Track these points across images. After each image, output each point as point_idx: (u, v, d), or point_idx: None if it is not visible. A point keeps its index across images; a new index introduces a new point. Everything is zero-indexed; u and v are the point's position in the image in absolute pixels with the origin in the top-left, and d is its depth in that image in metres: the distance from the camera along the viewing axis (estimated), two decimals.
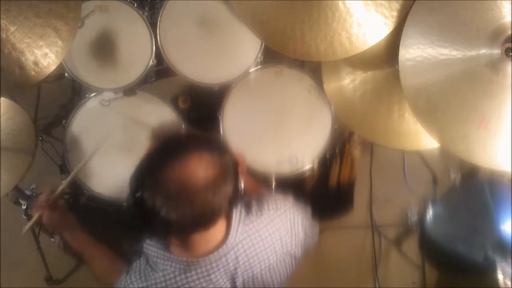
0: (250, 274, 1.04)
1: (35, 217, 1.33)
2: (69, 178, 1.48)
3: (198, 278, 1.00)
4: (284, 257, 1.09)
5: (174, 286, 1.00)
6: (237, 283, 1.03)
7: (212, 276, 1.00)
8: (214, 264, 1.00)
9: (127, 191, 0.92)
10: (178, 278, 1.00)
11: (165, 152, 0.92)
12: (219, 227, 1.00)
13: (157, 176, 0.89)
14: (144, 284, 1.02)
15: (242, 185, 0.99)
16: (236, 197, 0.96)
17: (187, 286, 1.00)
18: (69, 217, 1.35)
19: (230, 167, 0.95)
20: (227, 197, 0.93)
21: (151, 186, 0.89)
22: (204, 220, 0.94)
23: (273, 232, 1.06)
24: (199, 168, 0.89)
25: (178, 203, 0.88)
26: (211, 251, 1.00)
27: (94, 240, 1.33)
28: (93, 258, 1.31)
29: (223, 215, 0.99)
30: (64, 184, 1.43)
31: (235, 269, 1.02)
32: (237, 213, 1.03)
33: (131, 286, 1.03)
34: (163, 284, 1.00)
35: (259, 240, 1.04)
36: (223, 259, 1.01)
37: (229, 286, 1.03)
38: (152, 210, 0.88)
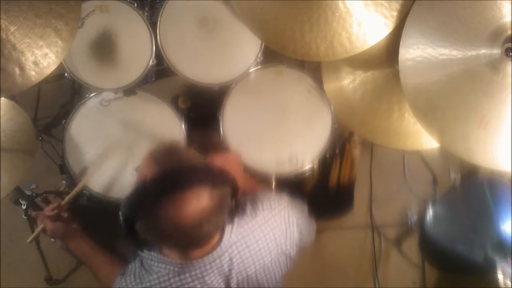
0: (245, 275, 1.04)
1: (39, 227, 1.34)
2: (76, 189, 1.47)
3: (193, 280, 1.00)
4: (278, 257, 1.09)
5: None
6: (232, 284, 1.03)
7: (207, 278, 1.01)
8: (208, 266, 1.00)
9: (121, 211, 0.91)
10: (172, 281, 1.00)
11: (163, 184, 0.88)
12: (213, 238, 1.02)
13: (153, 210, 0.87)
14: (139, 286, 1.02)
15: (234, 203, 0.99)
16: (232, 216, 0.98)
17: None
18: (74, 227, 1.34)
19: (229, 196, 0.95)
20: (222, 224, 0.96)
21: (145, 220, 0.88)
22: (199, 243, 0.97)
23: (268, 232, 1.06)
24: (196, 204, 0.88)
25: (172, 238, 0.90)
26: (205, 254, 1.00)
27: (99, 249, 1.33)
28: (99, 267, 1.30)
29: (218, 234, 1.01)
30: (69, 195, 1.43)
31: (229, 270, 1.02)
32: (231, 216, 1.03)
33: None
34: (158, 287, 1.00)
35: (253, 242, 1.04)
36: (217, 261, 1.01)
37: (223, 287, 1.03)
38: (145, 240, 0.91)
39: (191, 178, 0.90)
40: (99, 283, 1.30)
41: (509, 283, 1.44)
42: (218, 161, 1.11)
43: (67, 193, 1.81)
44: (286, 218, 1.10)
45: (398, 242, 2.15)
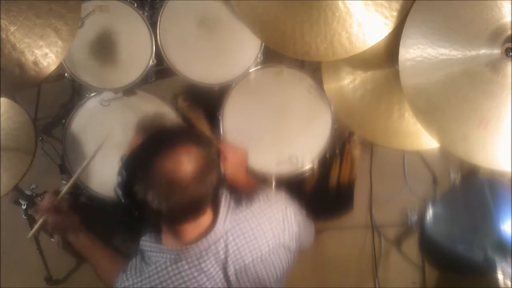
0: (242, 264, 1.04)
1: (40, 221, 1.33)
2: (72, 180, 1.47)
3: (189, 268, 1.01)
4: (277, 249, 1.08)
5: (166, 277, 1.01)
6: (229, 273, 1.03)
7: (203, 265, 1.01)
8: (203, 253, 1.01)
9: (117, 183, 0.96)
10: (169, 269, 1.01)
11: (154, 145, 0.94)
12: (207, 216, 1.02)
13: (148, 169, 0.91)
14: (139, 279, 1.03)
15: (223, 169, 1.03)
16: (219, 183, 1.00)
17: (178, 276, 1.01)
18: (74, 220, 1.33)
19: (215, 157, 0.99)
20: (213, 185, 0.97)
21: (142, 179, 0.92)
22: (194, 209, 0.97)
23: (264, 222, 1.07)
24: (187, 160, 0.92)
25: (169, 195, 0.92)
26: (200, 238, 1.01)
27: (99, 243, 1.32)
28: (99, 261, 1.30)
29: (210, 203, 1.02)
30: (67, 186, 1.43)
31: (225, 258, 1.02)
32: (226, 203, 1.05)
33: (126, 283, 1.04)
34: (156, 276, 1.01)
35: (248, 229, 1.05)
36: (213, 247, 1.01)
37: (221, 275, 1.03)
38: (143, 202, 0.91)
39: (178, 136, 0.97)
40: (99, 278, 1.29)
41: (509, 283, 1.44)
42: (226, 151, 1.12)
43: (67, 193, 1.81)
44: (284, 209, 1.10)
45: (398, 242, 2.15)
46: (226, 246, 1.02)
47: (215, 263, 1.02)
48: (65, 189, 1.40)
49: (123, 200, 0.95)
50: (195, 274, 1.01)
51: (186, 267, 1.01)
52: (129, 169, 0.94)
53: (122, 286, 1.04)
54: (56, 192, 1.37)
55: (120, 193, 0.95)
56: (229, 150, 1.18)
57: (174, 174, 0.91)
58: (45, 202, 1.31)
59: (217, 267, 1.03)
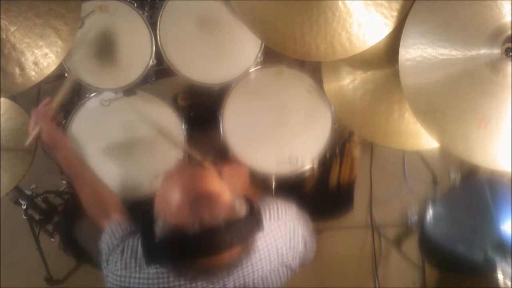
0: (242, 281, 1.03)
1: (36, 130, 1.33)
2: (65, 87, 1.44)
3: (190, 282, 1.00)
4: (279, 267, 1.08)
5: (166, 285, 1.00)
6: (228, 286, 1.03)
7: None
8: None
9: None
10: (171, 279, 1.00)
11: (200, 247, 0.88)
12: None
13: (184, 260, 0.90)
14: (137, 274, 1.01)
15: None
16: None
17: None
18: (64, 136, 1.34)
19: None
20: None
21: (173, 261, 0.92)
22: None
23: (271, 243, 1.05)
24: (229, 257, 0.90)
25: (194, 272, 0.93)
26: None
27: (87, 167, 1.32)
28: (84, 185, 1.28)
29: None
30: (61, 92, 1.41)
31: (227, 275, 1.01)
32: None
33: (123, 271, 1.02)
34: (155, 281, 1.00)
35: (255, 251, 1.03)
36: None
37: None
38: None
39: (229, 240, 0.89)
40: (83, 204, 1.27)
41: (509, 283, 1.44)
42: (227, 172, 1.11)
43: (67, 193, 1.81)
44: (292, 229, 1.09)
45: (398, 242, 2.15)
46: None
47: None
48: (59, 95, 1.38)
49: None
50: (193, 285, 1.00)
51: (182, 282, 1.00)
52: (165, 246, 0.90)
53: (117, 265, 1.03)
54: (52, 100, 1.37)
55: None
56: (229, 172, 1.16)
57: (210, 268, 0.91)
58: (41, 109, 1.31)
59: (217, 284, 1.02)
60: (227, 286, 1.02)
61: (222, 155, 1.52)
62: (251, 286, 1.05)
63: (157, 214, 0.91)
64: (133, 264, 1.03)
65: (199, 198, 0.88)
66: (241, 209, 0.93)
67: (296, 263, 1.11)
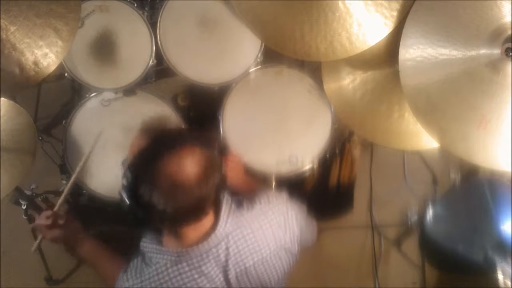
0: (243, 267, 1.04)
1: (38, 239, 1.33)
2: (67, 188, 1.43)
3: (190, 270, 1.01)
4: (278, 251, 1.08)
5: (166, 278, 1.01)
6: (230, 276, 1.04)
7: (203, 267, 1.01)
8: (204, 255, 1.01)
9: (122, 185, 0.95)
10: (170, 270, 1.01)
11: (159, 147, 0.95)
12: (209, 218, 1.02)
13: (153, 172, 0.92)
14: (139, 279, 1.03)
15: (224, 171, 1.03)
16: (221, 184, 1.00)
17: (179, 277, 1.01)
18: (75, 228, 1.32)
19: (217, 158, 0.99)
20: (216, 186, 0.98)
21: (148, 181, 0.92)
22: (197, 211, 0.98)
23: (265, 224, 1.07)
24: (191, 162, 0.93)
25: (174, 197, 0.92)
26: (201, 241, 1.01)
27: (101, 247, 1.32)
28: (101, 264, 1.30)
29: (212, 205, 1.02)
30: (61, 199, 1.39)
31: (226, 260, 1.03)
32: (227, 206, 1.05)
33: (126, 284, 1.04)
34: (156, 278, 1.01)
35: (249, 232, 1.05)
36: (213, 250, 1.02)
37: (222, 278, 1.04)
38: (149, 204, 0.91)
39: (182, 138, 0.98)
40: (103, 281, 1.29)
41: (509, 283, 1.44)
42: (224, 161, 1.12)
43: (65, 201, 1.80)
44: (285, 212, 1.10)
45: (398, 242, 2.15)
46: (227, 249, 1.03)
47: (216, 266, 1.02)
48: (59, 202, 1.38)
49: (128, 202, 0.95)
50: (196, 276, 1.01)
51: (186, 269, 1.01)
52: (134, 172, 0.94)
53: (123, 286, 1.04)
54: (51, 206, 1.35)
55: (125, 195, 0.95)
56: (228, 158, 1.19)
57: (179, 176, 0.91)
58: (42, 219, 1.28)
59: (218, 270, 1.03)
60: (228, 271, 1.03)
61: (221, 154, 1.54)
62: (253, 271, 1.06)
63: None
64: (133, 272, 1.05)
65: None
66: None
67: (295, 247, 1.12)
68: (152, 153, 0.94)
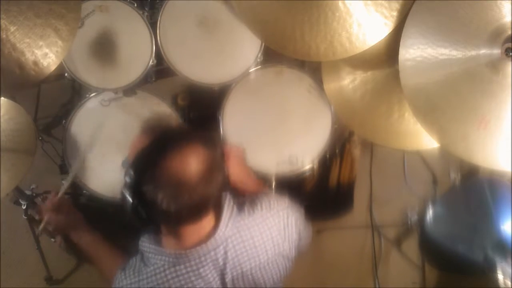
0: (240, 271, 1.04)
1: (43, 221, 1.33)
2: (70, 178, 1.48)
3: (187, 272, 1.01)
4: (276, 257, 1.08)
5: (164, 279, 1.01)
6: (227, 279, 1.03)
7: (201, 270, 1.01)
8: (203, 258, 1.01)
9: (125, 184, 0.95)
10: (167, 272, 1.01)
11: (162, 145, 0.94)
12: (209, 220, 1.02)
13: (156, 170, 0.91)
14: (136, 279, 1.03)
15: (228, 172, 1.05)
16: (224, 184, 1.00)
17: (176, 279, 1.01)
18: (77, 218, 1.34)
19: (220, 158, 1.00)
20: (218, 185, 0.98)
21: (151, 179, 0.91)
22: (200, 209, 0.97)
23: (265, 231, 1.06)
24: (195, 161, 0.93)
25: (177, 195, 0.91)
26: (200, 243, 1.01)
27: (102, 240, 1.33)
28: (102, 258, 1.30)
29: (214, 206, 1.01)
30: (66, 184, 1.43)
31: (224, 264, 1.02)
32: (228, 209, 1.04)
33: (124, 282, 1.04)
34: (153, 278, 1.01)
35: (249, 237, 1.04)
36: (212, 253, 1.01)
37: (218, 282, 1.03)
38: (152, 202, 0.91)
39: (185, 136, 0.98)
40: (102, 274, 1.29)
41: (509, 283, 1.44)
42: (228, 150, 1.14)
43: (67, 193, 1.81)
44: (285, 218, 1.10)
45: (398, 242, 2.15)
46: (225, 253, 1.02)
47: (213, 269, 1.02)
48: (63, 187, 1.40)
49: (131, 201, 0.94)
50: (193, 278, 1.01)
51: (184, 271, 1.01)
52: (137, 170, 0.93)
53: (120, 285, 1.05)
54: (57, 192, 1.38)
55: (128, 194, 0.94)
56: (230, 150, 1.19)
57: (182, 175, 0.91)
58: (48, 202, 1.32)
59: (215, 273, 1.03)
60: (225, 275, 1.03)
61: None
62: (250, 276, 1.06)
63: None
64: (131, 271, 1.05)
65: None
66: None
67: (293, 253, 1.12)
68: (155, 151, 0.94)
